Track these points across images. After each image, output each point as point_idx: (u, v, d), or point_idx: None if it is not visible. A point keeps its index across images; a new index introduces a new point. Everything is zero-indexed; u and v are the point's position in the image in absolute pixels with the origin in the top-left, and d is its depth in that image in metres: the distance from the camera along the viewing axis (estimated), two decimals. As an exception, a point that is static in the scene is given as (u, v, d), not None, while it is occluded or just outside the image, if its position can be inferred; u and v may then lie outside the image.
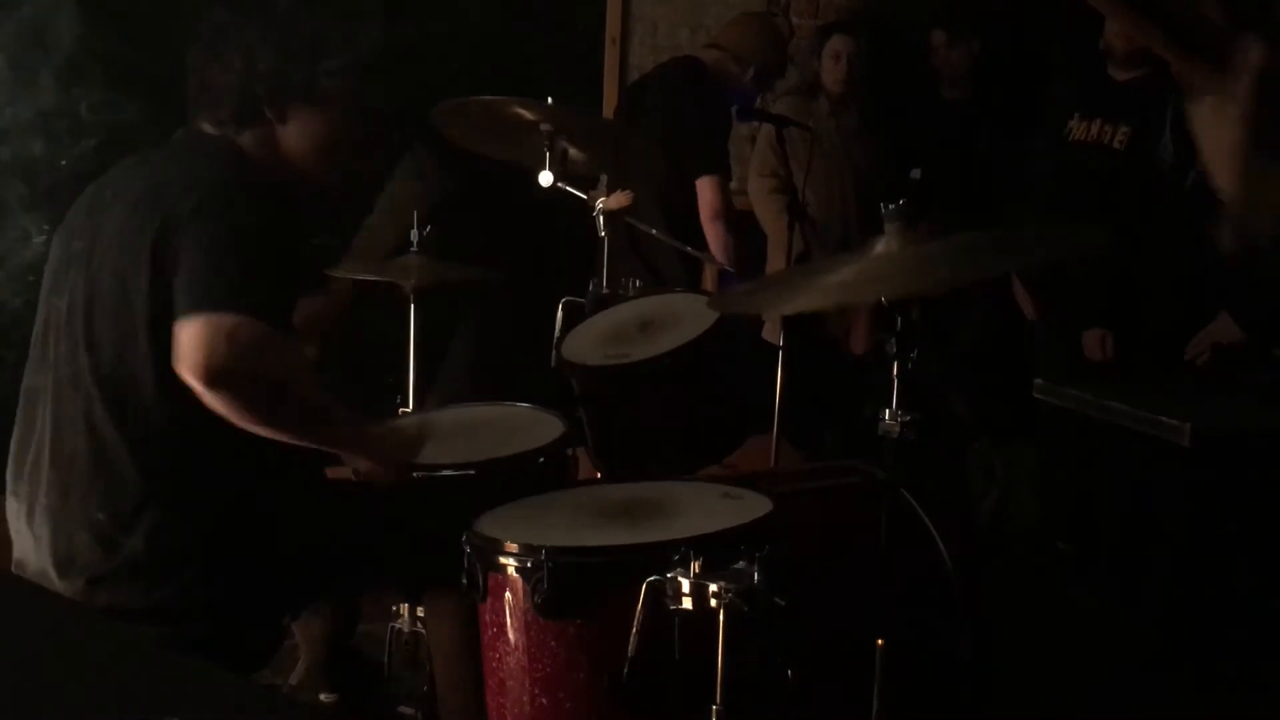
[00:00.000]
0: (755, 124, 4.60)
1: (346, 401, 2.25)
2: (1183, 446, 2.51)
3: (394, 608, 2.88)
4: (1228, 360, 3.56)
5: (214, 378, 1.94)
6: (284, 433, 2.08)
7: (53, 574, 2.12)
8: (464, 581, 2.06)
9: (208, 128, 2.24)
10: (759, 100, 4.57)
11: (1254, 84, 1.14)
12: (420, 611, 2.78)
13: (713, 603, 1.81)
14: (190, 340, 1.94)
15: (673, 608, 1.84)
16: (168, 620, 2.09)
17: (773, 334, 4.23)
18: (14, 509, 2.21)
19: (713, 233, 4.04)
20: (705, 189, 4.02)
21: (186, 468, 2.12)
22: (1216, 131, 1.16)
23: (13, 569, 2.21)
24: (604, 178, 3.21)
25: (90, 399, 2.10)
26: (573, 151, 3.06)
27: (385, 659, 2.96)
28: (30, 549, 2.17)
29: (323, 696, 2.84)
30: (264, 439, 2.09)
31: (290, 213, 2.20)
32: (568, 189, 3.07)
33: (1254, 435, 2.82)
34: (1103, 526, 3.95)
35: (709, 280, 4.11)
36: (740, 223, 4.23)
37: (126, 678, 0.94)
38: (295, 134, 2.24)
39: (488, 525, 2.10)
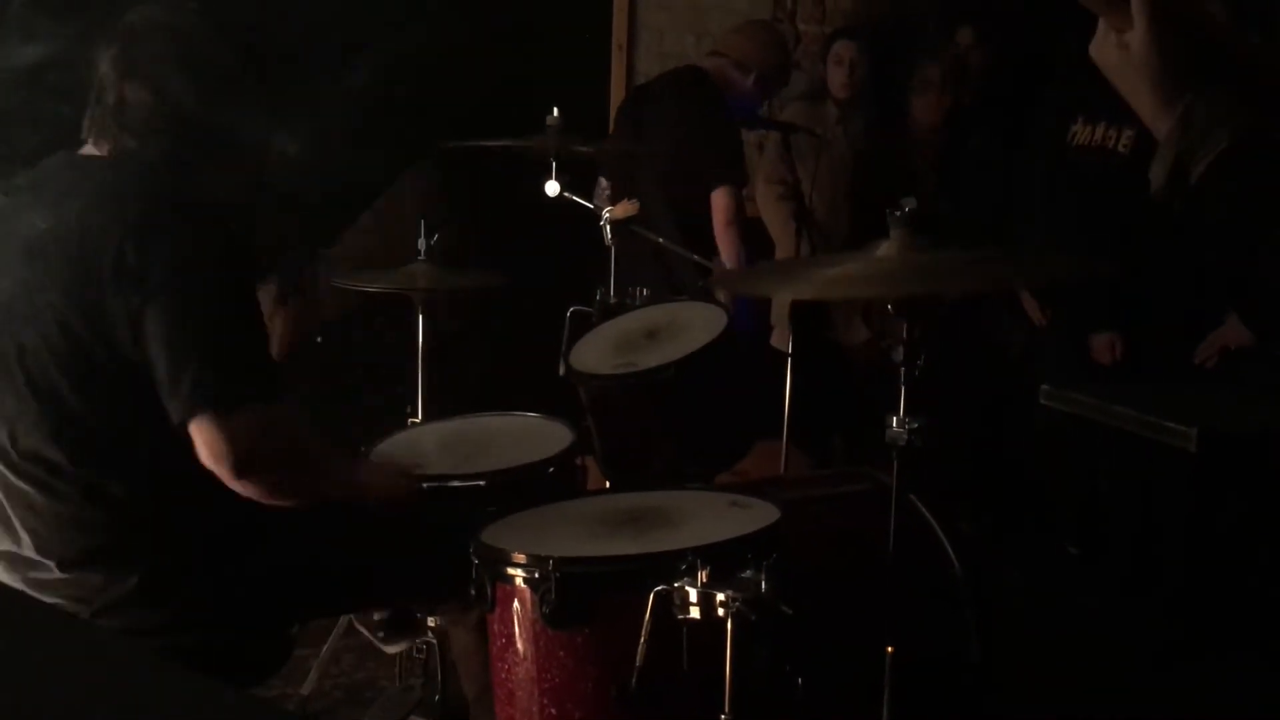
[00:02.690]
0: (762, 131, 4.62)
1: (356, 412, 2.27)
2: (1189, 451, 2.51)
3: (404, 618, 2.88)
4: (1237, 363, 3.55)
5: (240, 471, 2.01)
6: (304, 499, 2.14)
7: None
8: (472, 592, 2.06)
9: (108, 147, 2.10)
10: (763, 108, 4.58)
11: (1151, 9, 1.11)
12: (431, 621, 2.78)
13: (720, 612, 1.81)
14: (207, 442, 1.99)
15: (680, 617, 1.84)
16: (173, 633, 2.09)
17: (781, 341, 4.26)
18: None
19: (726, 240, 4.07)
20: (720, 198, 4.04)
21: (177, 502, 2.10)
22: (1128, 63, 1.14)
23: None
24: (602, 183, 3.23)
25: (55, 440, 2.04)
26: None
27: (397, 669, 2.97)
28: (25, 583, 2.13)
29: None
30: None
31: (237, 236, 2.11)
32: (574, 198, 3.09)
33: (1262, 438, 2.81)
34: (1111, 531, 3.95)
35: (721, 289, 4.12)
36: (750, 229, 4.26)
37: (126, 693, 0.95)
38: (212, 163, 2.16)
39: (495, 536, 2.10)
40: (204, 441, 1.99)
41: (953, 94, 4.58)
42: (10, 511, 2.09)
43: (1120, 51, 1.15)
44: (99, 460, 2.05)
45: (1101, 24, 1.16)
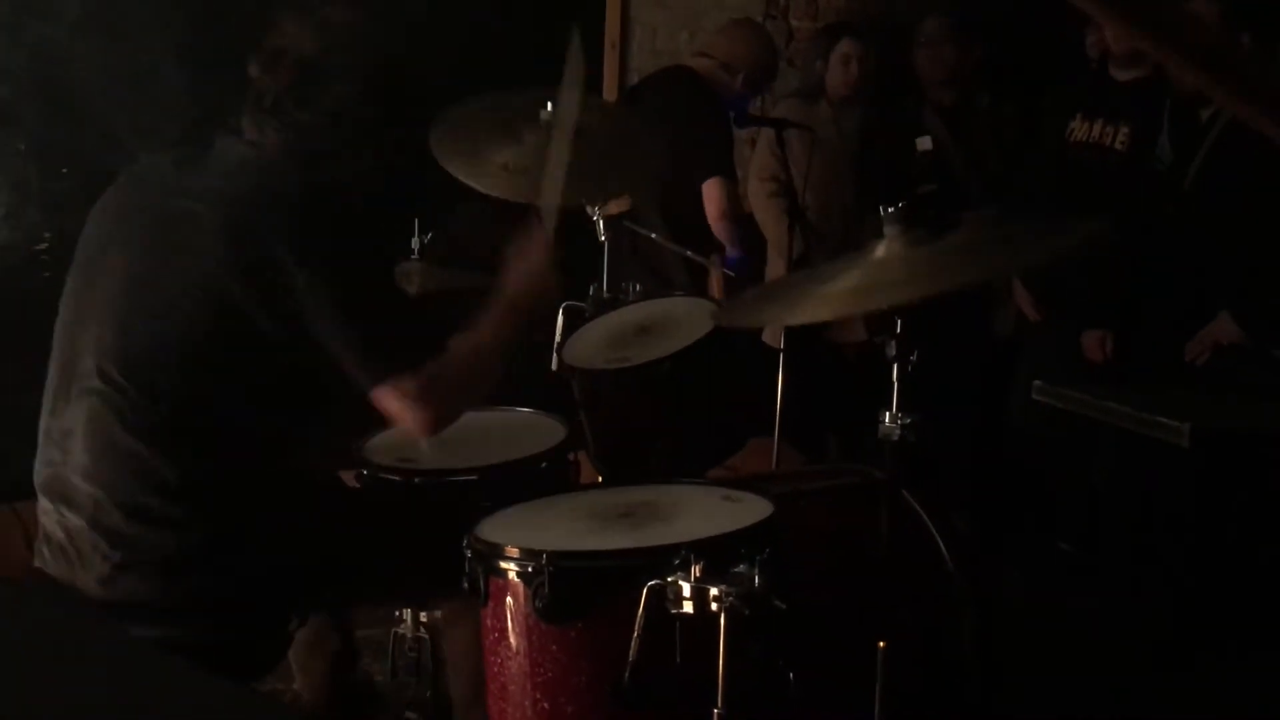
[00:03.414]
0: (755, 129, 4.61)
1: (350, 406, 2.28)
2: (1182, 447, 2.51)
3: (396, 613, 2.88)
4: (1228, 360, 3.56)
5: (434, 430, 2.18)
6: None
7: (77, 560, 2.13)
8: (465, 586, 2.06)
9: (250, 134, 2.23)
10: (755, 105, 4.57)
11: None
12: (424, 617, 2.78)
13: (714, 606, 1.82)
14: (398, 410, 2.16)
15: (674, 611, 1.84)
16: (178, 620, 2.10)
17: (773, 337, 4.25)
18: (44, 485, 2.23)
19: (721, 231, 4.08)
20: (712, 190, 4.05)
21: (216, 471, 2.15)
22: None
23: (35, 560, 2.22)
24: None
25: (123, 394, 2.12)
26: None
27: (389, 664, 2.96)
28: (58, 531, 2.17)
29: None
30: (282, 443, 2.20)
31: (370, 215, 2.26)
32: (568, 193, 3.08)
33: (1254, 435, 2.82)
34: (1104, 527, 3.96)
35: (714, 285, 4.12)
36: (746, 223, 4.26)
37: (128, 686, 0.95)
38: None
39: (489, 530, 2.10)
40: (394, 410, 2.15)
41: (957, 49, 4.59)
42: (81, 430, 2.15)
43: None
44: (171, 425, 2.12)
45: None
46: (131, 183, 2.29)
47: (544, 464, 2.55)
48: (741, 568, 1.83)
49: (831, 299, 2.06)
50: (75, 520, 2.15)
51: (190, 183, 2.19)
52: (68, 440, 2.17)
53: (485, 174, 2.66)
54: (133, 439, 2.12)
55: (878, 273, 1.99)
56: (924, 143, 4.41)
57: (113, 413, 2.13)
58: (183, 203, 2.16)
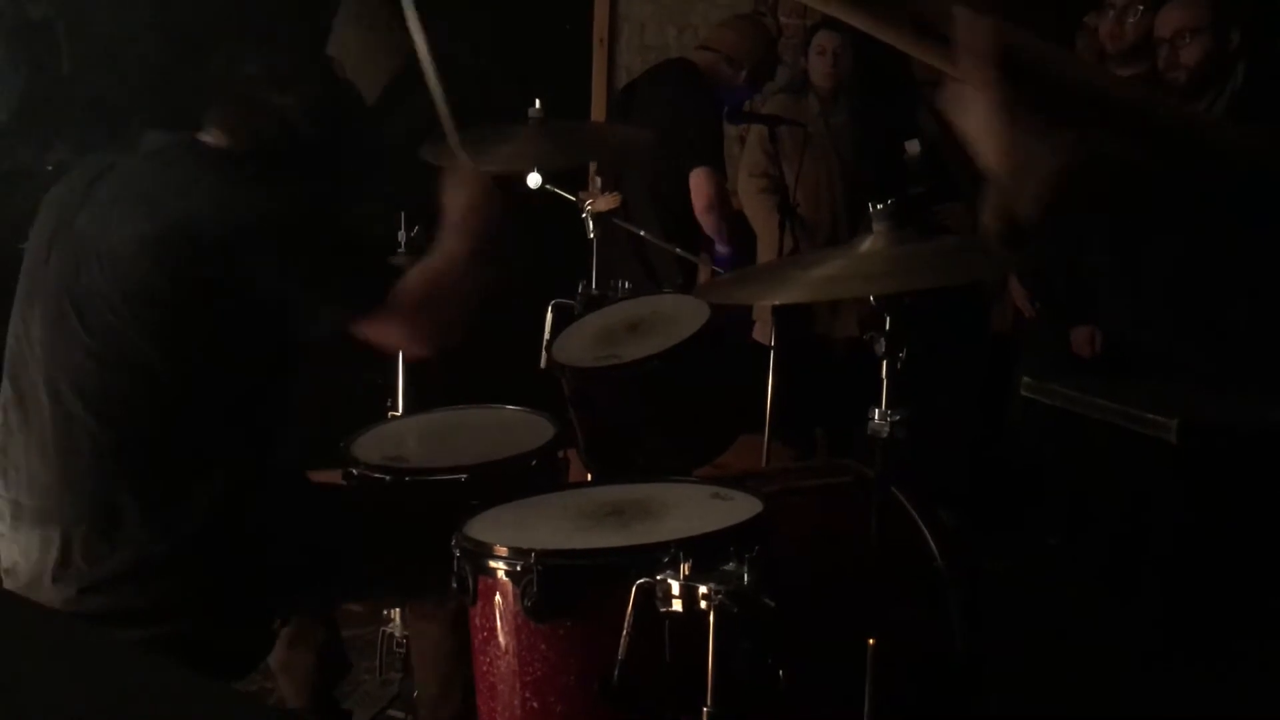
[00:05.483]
0: (745, 125, 4.62)
1: (335, 404, 2.28)
2: (1170, 443, 2.51)
3: (384, 611, 2.88)
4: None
5: (429, 340, 2.27)
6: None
7: (45, 580, 2.11)
8: (454, 585, 2.06)
9: (227, 139, 2.27)
10: (748, 102, 4.58)
11: (987, 59, 1.10)
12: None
13: (703, 604, 1.81)
14: (391, 332, 2.26)
15: (663, 609, 1.84)
16: (158, 621, 2.09)
17: (763, 334, 4.25)
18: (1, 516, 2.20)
19: (708, 223, 4.07)
20: (698, 180, 4.04)
21: (177, 476, 2.11)
22: (968, 112, 1.14)
23: (2, 578, 2.20)
24: (598, 179, 3.22)
25: (78, 406, 2.09)
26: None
27: (376, 663, 2.96)
28: (19, 555, 2.16)
29: None
30: (252, 443, 2.16)
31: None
32: (556, 190, 3.08)
33: (1241, 431, 2.82)
34: (1093, 523, 3.96)
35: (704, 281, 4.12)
36: (735, 218, 4.26)
37: (107, 688, 0.94)
38: None
39: (478, 528, 2.10)
40: (385, 337, 2.26)
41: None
42: (37, 464, 2.13)
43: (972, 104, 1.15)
44: (127, 419, 2.10)
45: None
46: (51, 210, 2.26)
47: (533, 462, 2.54)
48: (730, 565, 1.82)
49: (810, 284, 2.09)
50: (34, 556, 2.12)
51: (111, 194, 2.17)
52: (19, 466, 2.14)
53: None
54: (96, 465, 2.09)
55: (858, 265, 2.02)
56: (912, 146, 4.40)
57: (71, 440, 2.09)
58: (104, 215, 2.14)
